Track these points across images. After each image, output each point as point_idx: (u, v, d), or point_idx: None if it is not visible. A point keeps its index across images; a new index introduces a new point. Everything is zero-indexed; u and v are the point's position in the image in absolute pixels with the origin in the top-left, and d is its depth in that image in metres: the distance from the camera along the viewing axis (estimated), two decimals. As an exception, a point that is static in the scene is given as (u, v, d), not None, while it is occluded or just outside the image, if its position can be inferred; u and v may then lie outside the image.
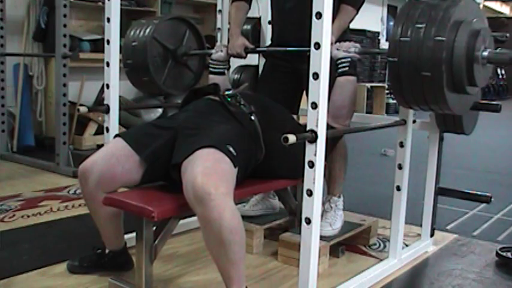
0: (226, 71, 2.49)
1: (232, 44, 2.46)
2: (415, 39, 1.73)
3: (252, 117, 1.97)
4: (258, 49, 2.52)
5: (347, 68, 2.08)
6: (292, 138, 1.49)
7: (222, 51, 2.46)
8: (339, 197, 2.50)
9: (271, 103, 2.20)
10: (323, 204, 2.41)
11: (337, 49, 2.11)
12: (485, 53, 1.80)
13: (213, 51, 2.49)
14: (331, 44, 2.09)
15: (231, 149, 1.73)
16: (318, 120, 1.54)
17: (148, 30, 2.56)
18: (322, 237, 2.24)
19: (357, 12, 2.36)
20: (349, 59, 2.09)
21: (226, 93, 2.06)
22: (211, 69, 2.47)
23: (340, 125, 2.09)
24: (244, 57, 2.50)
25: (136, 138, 1.92)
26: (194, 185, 1.59)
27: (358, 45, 2.12)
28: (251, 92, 2.43)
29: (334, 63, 2.08)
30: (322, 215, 2.30)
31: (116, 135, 1.98)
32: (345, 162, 2.50)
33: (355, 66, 2.10)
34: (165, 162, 1.85)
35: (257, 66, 2.85)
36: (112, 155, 1.87)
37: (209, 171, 1.62)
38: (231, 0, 2.60)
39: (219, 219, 1.57)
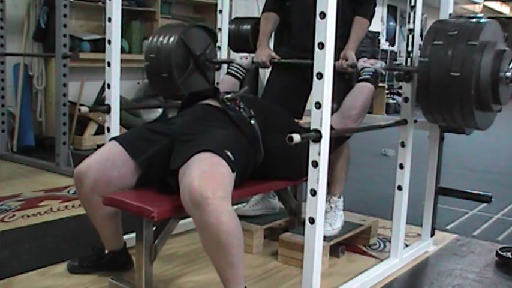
0: (240, 80, 2.54)
1: (258, 53, 2.56)
2: (447, 43, 1.93)
3: (252, 121, 1.97)
4: (283, 60, 2.56)
5: (368, 77, 2.17)
6: (297, 137, 1.49)
7: (247, 58, 2.56)
8: (339, 197, 2.50)
9: (271, 105, 2.21)
10: None
11: (363, 61, 2.23)
12: (509, 74, 1.96)
13: (238, 57, 2.60)
14: (350, 59, 2.28)
15: (229, 153, 1.72)
16: (321, 119, 1.54)
17: (177, 31, 2.71)
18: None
19: (370, 23, 2.45)
20: (373, 69, 2.19)
21: (226, 96, 2.05)
22: (230, 71, 2.55)
23: (349, 126, 2.09)
24: (268, 67, 2.60)
25: (132, 142, 1.90)
26: (191, 189, 1.58)
27: (383, 62, 2.25)
28: (251, 94, 2.43)
29: (357, 72, 2.21)
30: None
31: (111, 139, 1.97)
32: (347, 163, 2.51)
33: (376, 77, 2.18)
34: (160, 168, 1.83)
35: (257, 68, 2.86)
36: (107, 159, 1.86)
37: (206, 175, 1.62)
38: (262, 11, 2.68)
39: (216, 223, 1.57)
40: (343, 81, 2.28)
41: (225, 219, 1.57)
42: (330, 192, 2.49)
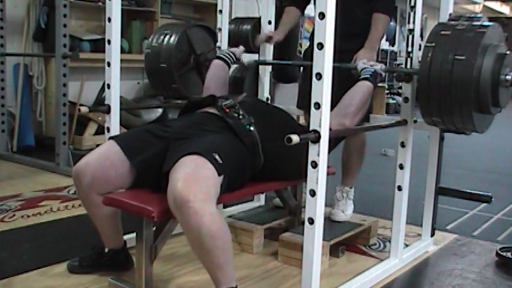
0: (229, 66, 2.55)
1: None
2: (453, 32, 1.98)
3: (251, 128, 1.96)
4: (283, 62, 2.78)
5: (368, 76, 2.17)
6: (295, 138, 1.49)
7: (238, 47, 2.59)
8: (351, 188, 2.62)
9: (271, 109, 2.21)
10: (335, 192, 2.58)
11: (363, 63, 2.24)
12: (509, 77, 1.97)
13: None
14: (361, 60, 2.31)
15: (217, 157, 1.72)
16: (321, 120, 1.54)
17: (183, 27, 2.76)
18: (336, 222, 2.49)
19: (391, 19, 2.48)
20: (372, 69, 2.18)
21: (224, 103, 2.03)
22: (219, 54, 2.55)
23: (346, 124, 2.09)
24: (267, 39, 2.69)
25: (129, 143, 1.91)
26: (174, 191, 1.59)
27: (383, 65, 2.26)
28: (251, 98, 2.40)
29: (357, 73, 2.22)
30: (334, 204, 2.56)
31: (110, 138, 1.99)
32: (362, 156, 2.63)
33: (375, 77, 2.18)
34: (155, 172, 1.84)
35: (257, 68, 2.86)
36: (106, 158, 1.88)
37: (189, 177, 1.62)
38: (284, 4, 2.77)
39: (197, 226, 1.57)
40: (347, 83, 2.28)
41: (206, 222, 1.57)
42: (342, 182, 2.62)
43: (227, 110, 2.00)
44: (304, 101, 2.67)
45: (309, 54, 2.63)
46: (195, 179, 1.62)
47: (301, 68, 2.88)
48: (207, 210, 1.59)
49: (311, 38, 2.70)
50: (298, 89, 2.84)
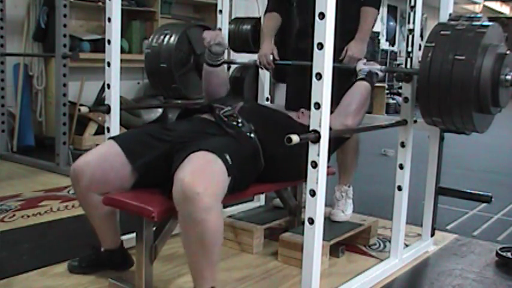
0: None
1: (262, 48, 2.63)
2: (453, 32, 1.99)
3: (252, 135, 1.95)
4: (281, 62, 2.62)
5: (365, 76, 2.18)
6: (295, 138, 1.49)
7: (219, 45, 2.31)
8: (349, 186, 2.63)
9: (271, 113, 2.20)
10: (334, 193, 2.58)
11: (364, 64, 2.24)
12: (509, 77, 1.98)
13: (238, 58, 2.66)
14: (360, 58, 2.32)
15: (227, 157, 1.71)
16: (321, 120, 1.54)
17: (183, 27, 2.76)
18: (336, 222, 2.50)
19: (378, 12, 2.49)
20: (367, 69, 2.19)
21: (223, 112, 2.02)
22: (210, 62, 2.33)
23: (347, 124, 2.09)
24: (271, 65, 2.62)
25: (130, 146, 1.91)
26: (183, 183, 1.57)
27: (382, 67, 2.26)
28: (249, 103, 2.37)
29: (355, 73, 2.23)
30: (334, 204, 2.56)
31: (110, 138, 1.97)
32: (357, 154, 2.63)
33: (371, 76, 2.19)
34: (156, 174, 1.84)
35: (257, 68, 2.86)
36: (105, 159, 1.87)
37: (199, 170, 1.61)
38: (264, 12, 2.73)
39: (204, 220, 1.57)
40: (346, 84, 2.28)
41: (213, 218, 1.58)
42: (340, 182, 2.63)
43: (225, 119, 1.99)
44: (296, 101, 2.64)
45: (304, 53, 2.62)
46: (204, 172, 1.62)
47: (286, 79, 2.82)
48: (215, 206, 1.59)
49: (297, 35, 2.67)
50: (286, 89, 2.77)
